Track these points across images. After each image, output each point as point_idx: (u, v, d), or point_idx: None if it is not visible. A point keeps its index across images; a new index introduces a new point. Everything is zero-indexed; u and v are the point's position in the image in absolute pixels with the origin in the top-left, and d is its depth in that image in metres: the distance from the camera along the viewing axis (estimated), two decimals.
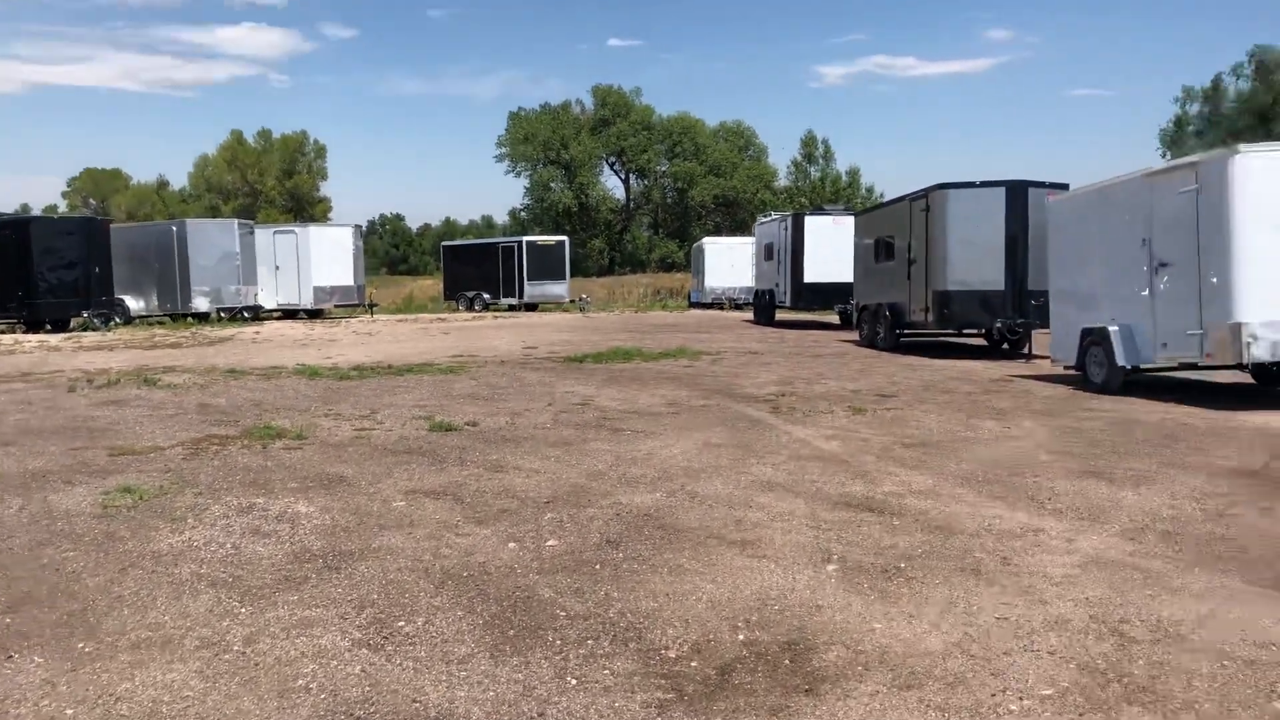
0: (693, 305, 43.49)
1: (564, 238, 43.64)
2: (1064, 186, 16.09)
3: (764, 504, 6.72)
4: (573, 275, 46.91)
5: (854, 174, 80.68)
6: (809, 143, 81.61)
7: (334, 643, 4.29)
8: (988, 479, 7.48)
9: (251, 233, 33.88)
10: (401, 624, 4.51)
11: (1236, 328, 10.59)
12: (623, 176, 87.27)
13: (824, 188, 77.43)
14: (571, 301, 41.09)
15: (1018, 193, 16.82)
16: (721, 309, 40.88)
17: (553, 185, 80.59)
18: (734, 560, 5.46)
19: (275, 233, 35.90)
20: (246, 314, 32.39)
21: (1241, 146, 10.83)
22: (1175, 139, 71.81)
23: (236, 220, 36.05)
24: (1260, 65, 68.54)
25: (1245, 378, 13.12)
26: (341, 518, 6.40)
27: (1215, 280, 10.79)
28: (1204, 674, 3.93)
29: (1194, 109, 72.96)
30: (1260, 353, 10.61)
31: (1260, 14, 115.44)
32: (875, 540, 5.85)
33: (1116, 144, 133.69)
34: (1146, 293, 11.80)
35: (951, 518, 6.36)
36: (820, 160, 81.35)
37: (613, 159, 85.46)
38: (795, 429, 9.80)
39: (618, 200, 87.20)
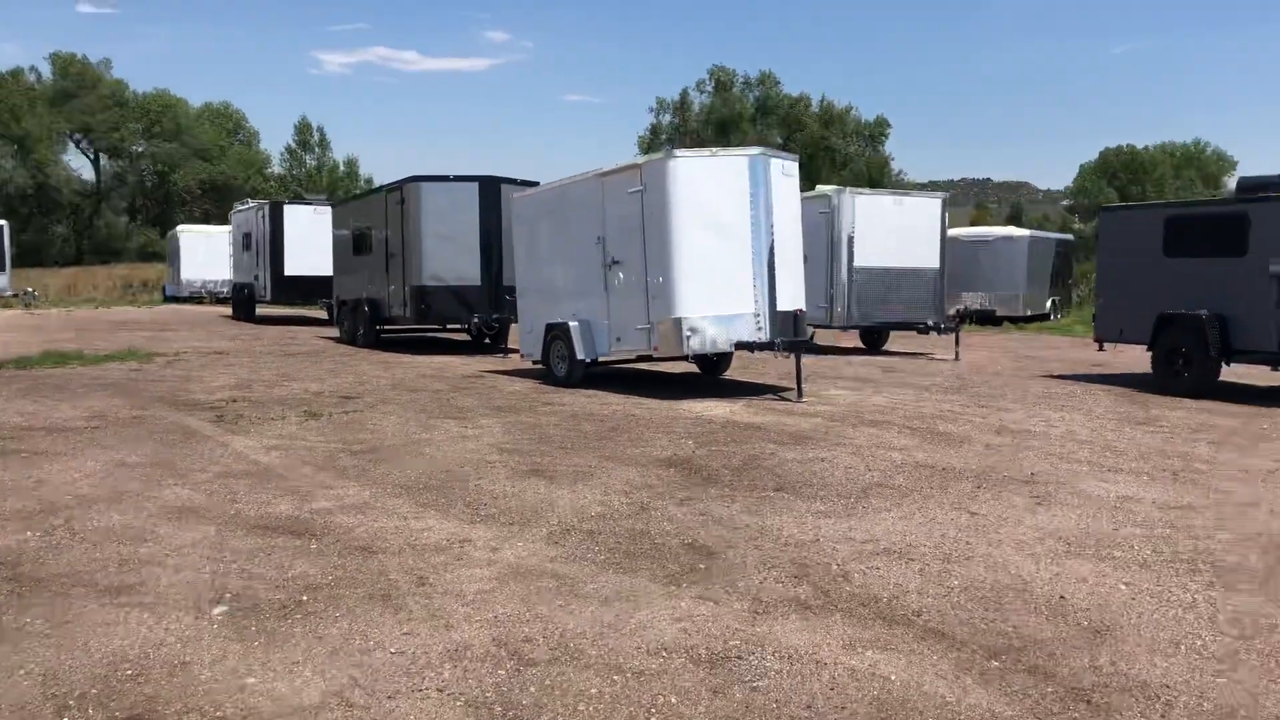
0: (168, 299, 39.69)
1: (1, 221, 37.68)
2: (535, 184, 16.42)
3: (164, 535, 5.78)
4: (25, 265, 40.92)
5: (352, 164, 79.13)
6: (303, 129, 78.65)
7: None
8: (430, 486, 7.10)
9: None
10: None
11: (677, 322, 11.25)
12: (91, 156, 78.30)
13: (320, 176, 75.01)
14: (15, 295, 35.63)
15: (491, 188, 16.91)
16: (201, 303, 37.78)
17: (1, 163, 70.04)
18: (98, 613, 4.51)
19: None
20: None
21: (678, 151, 11.53)
22: (651, 145, 78.47)
23: None
24: (719, 83, 76.94)
25: (694, 367, 14.18)
26: None
27: (660, 278, 11.38)
28: (592, 694, 3.72)
29: (666, 119, 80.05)
30: (699, 345, 11.37)
31: (721, 37, 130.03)
32: (284, 569, 5.17)
33: (607, 148, 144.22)
34: (602, 289, 12.23)
35: (378, 534, 5.85)
36: (316, 148, 78.70)
37: (79, 136, 76.30)
38: (236, 440, 8.82)
39: (86, 182, 78.03)
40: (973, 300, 27.84)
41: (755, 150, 11.68)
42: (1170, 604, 4.74)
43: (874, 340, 19.57)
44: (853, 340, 20.42)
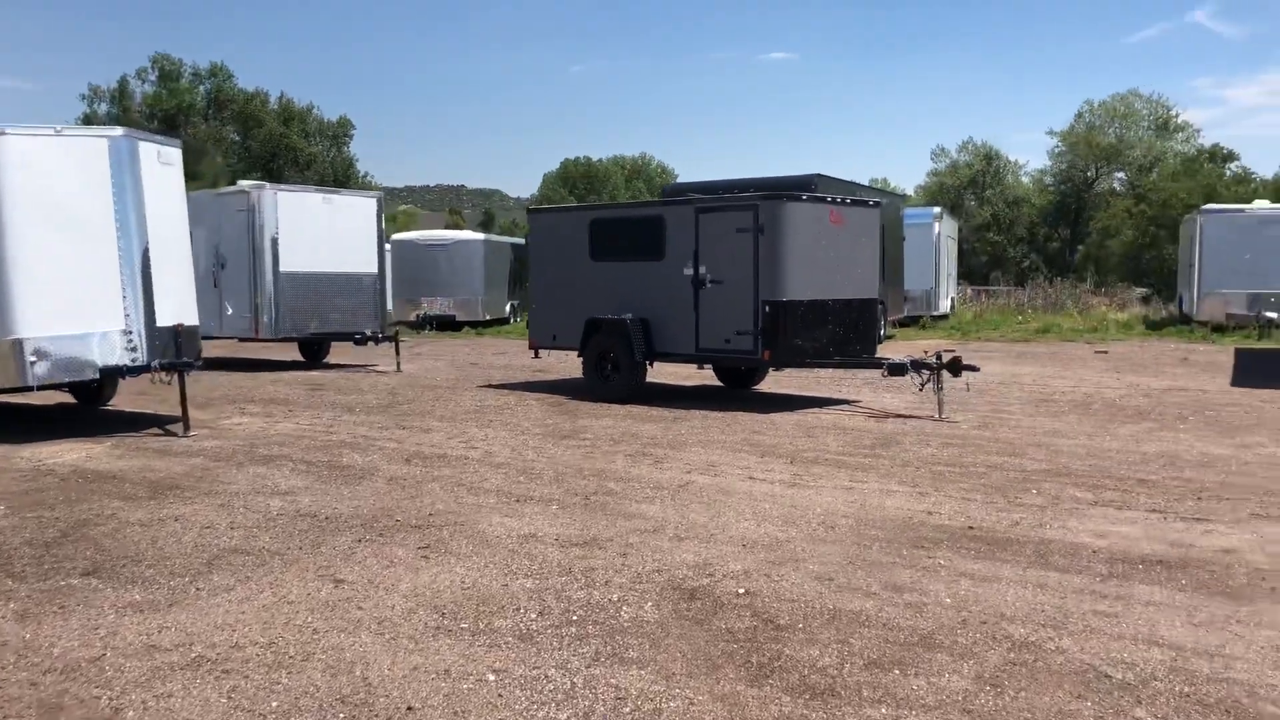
0: None
1: None
2: None
3: None
4: None
5: None
6: None
7: None
8: None
9: None
10: None
11: (16, 344, 8.84)
12: None
13: None
14: None
15: None
16: None
17: None
18: None
19: None
20: None
21: (8, 126, 9.03)
22: None
23: None
24: (164, 72, 70.27)
25: (70, 397, 11.62)
26: None
27: None
28: None
29: (104, 108, 71.79)
30: (46, 373, 9.02)
31: (172, 25, 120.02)
32: None
33: None
34: None
35: None
36: None
37: None
38: None
39: None
40: (433, 305, 27.18)
41: (118, 131, 9.53)
42: (545, 698, 3.73)
43: (314, 353, 17.82)
44: (291, 353, 18.51)
